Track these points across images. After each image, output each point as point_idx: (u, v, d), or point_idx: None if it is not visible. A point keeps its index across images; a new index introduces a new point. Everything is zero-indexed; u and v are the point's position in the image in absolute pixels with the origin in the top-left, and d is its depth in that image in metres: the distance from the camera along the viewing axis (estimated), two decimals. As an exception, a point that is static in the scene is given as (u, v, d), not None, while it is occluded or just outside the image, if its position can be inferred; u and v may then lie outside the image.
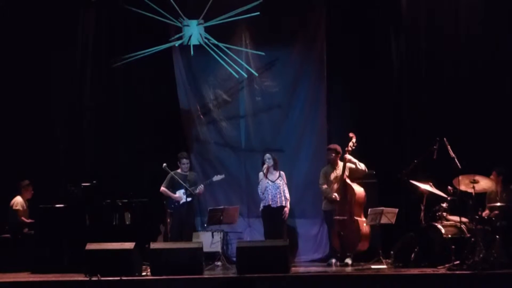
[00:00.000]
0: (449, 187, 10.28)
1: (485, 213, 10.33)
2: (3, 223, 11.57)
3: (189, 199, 11.14)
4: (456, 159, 10.18)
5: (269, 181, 11.11)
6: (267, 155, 11.21)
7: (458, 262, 9.57)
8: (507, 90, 11.69)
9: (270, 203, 11.07)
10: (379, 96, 12.07)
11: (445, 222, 10.25)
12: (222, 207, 11.15)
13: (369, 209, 10.52)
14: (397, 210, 10.53)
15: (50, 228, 10.93)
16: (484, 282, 9.07)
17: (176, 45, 12.38)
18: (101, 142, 12.40)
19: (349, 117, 12.16)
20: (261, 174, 11.19)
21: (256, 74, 12.30)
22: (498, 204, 10.25)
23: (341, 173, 10.94)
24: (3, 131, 12.16)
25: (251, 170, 12.03)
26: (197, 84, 12.47)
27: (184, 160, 11.40)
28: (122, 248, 9.81)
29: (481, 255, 9.43)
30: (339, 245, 10.85)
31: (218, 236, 11.44)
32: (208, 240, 11.57)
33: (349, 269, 10.46)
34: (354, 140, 10.97)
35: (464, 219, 10.13)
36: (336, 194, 10.84)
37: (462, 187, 10.11)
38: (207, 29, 12.27)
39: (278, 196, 11.08)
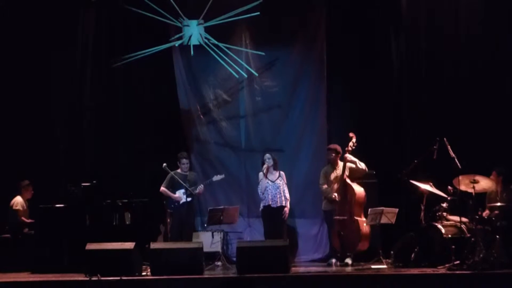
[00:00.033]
0: (449, 187, 10.28)
1: (485, 213, 10.33)
2: (3, 223, 11.57)
3: (189, 199, 11.14)
4: (456, 159, 10.18)
5: (269, 181, 11.11)
6: (267, 155, 11.21)
7: (458, 262, 9.57)
8: (507, 90, 11.69)
9: (270, 203, 11.07)
10: (379, 96, 12.08)
11: (445, 222, 10.25)
12: (222, 207, 11.15)
13: (369, 209, 10.52)
14: (397, 210, 10.53)
15: (50, 228, 10.93)
16: (484, 282, 9.07)
17: (176, 45, 12.38)
18: (101, 142, 12.40)
19: (349, 117, 12.16)
20: (261, 174, 11.20)
21: (256, 74, 12.30)
22: (498, 204, 10.25)
23: (341, 173, 10.94)
24: (3, 131, 12.17)
25: (251, 170, 12.03)
26: (197, 84, 12.47)
27: (184, 160, 11.40)
28: (122, 248, 9.81)
29: (481, 255, 9.43)
30: (339, 245, 10.84)
31: (218, 236, 11.44)
32: (208, 240, 11.57)
33: (349, 269, 10.46)
34: (354, 140, 10.97)
35: (464, 219, 10.13)
36: (336, 194, 10.84)
37: (462, 187, 10.11)
38: (207, 29, 12.27)
39: (278, 196, 11.08)
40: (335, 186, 10.94)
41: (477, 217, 9.93)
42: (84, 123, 12.48)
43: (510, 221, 10.04)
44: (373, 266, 10.19)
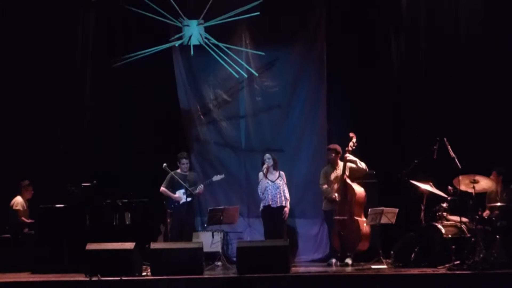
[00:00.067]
0: (449, 187, 10.28)
1: (486, 213, 10.33)
2: (3, 223, 11.57)
3: (189, 199, 11.14)
4: (456, 159, 10.19)
5: (269, 181, 11.11)
6: (267, 155, 11.21)
7: (458, 262, 9.57)
8: (507, 90, 11.69)
9: (270, 203, 11.07)
10: (379, 96, 12.08)
11: (445, 222, 10.25)
12: (222, 207, 11.15)
13: (369, 209, 10.52)
14: (397, 210, 10.53)
15: (50, 228, 10.93)
16: (484, 282, 9.07)
17: (176, 45, 12.38)
18: (101, 142, 12.40)
19: (349, 117, 12.15)
20: (261, 174, 11.19)
21: (256, 74, 12.30)
22: (498, 204, 10.25)
23: (341, 173, 10.94)
24: (3, 131, 12.16)
25: (251, 170, 12.03)
26: (197, 84, 12.47)
27: (184, 160, 11.39)
28: (122, 248, 9.81)
29: (481, 255, 9.43)
30: (339, 245, 10.84)
31: (218, 236, 11.44)
32: (208, 240, 11.57)
33: (349, 269, 10.46)
34: (354, 140, 10.97)
35: (464, 219, 10.14)
36: (336, 194, 10.84)
37: (462, 187, 10.11)
38: (207, 29, 12.27)
39: (278, 196, 11.08)
40: (335, 186, 10.94)
41: (477, 217, 9.93)
42: (84, 123, 12.48)
43: (510, 221, 10.04)
44: (373, 266, 10.19)
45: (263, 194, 11.10)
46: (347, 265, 10.69)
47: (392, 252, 10.42)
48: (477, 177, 10.04)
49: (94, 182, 11.30)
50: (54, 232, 10.89)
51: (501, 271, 9.28)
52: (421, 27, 12.05)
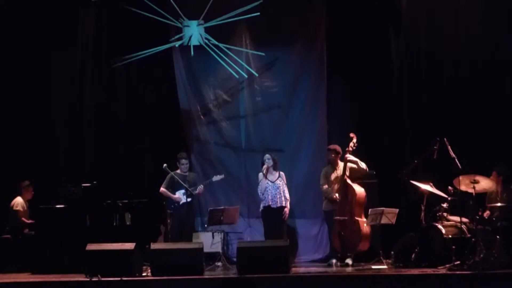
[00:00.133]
0: (449, 187, 10.28)
1: (486, 213, 10.33)
2: (4, 224, 11.57)
3: (189, 199, 11.13)
4: (456, 159, 10.19)
5: (269, 182, 11.11)
6: (267, 156, 11.21)
7: (458, 262, 9.58)
8: (507, 90, 11.69)
9: (270, 203, 11.07)
10: (379, 96, 12.07)
11: (446, 222, 10.25)
12: (222, 207, 11.15)
13: (370, 210, 10.52)
14: (397, 210, 10.52)
15: (50, 228, 10.93)
16: (484, 282, 9.08)
17: (176, 45, 12.37)
18: (101, 142, 12.40)
19: (349, 117, 12.15)
20: (260, 174, 11.19)
21: (256, 74, 12.30)
22: (499, 204, 10.25)
23: (341, 173, 10.94)
24: (3, 131, 12.16)
25: (251, 170, 12.03)
26: (197, 84, 12.46)
27: (183, 161, 11.39)
28: (122, 249, 9.81)
29: (481, 255, 9.43)
30: (340, 245, 10.85)
31: (218, 237, 11.44)
32: (209, 241, 11.57)
33: (349, 269, 10.47)
34: (354, 140, 10.96)
35: (464, 219, 10.15)
36: (336, 195, 10.84)
37: (463, 187, 10.11)
38: (207, 30, 12.26)
39: (278, 196, 11.08)
40: (336, 186, 10.95)
41: (478, 217, 9.94)
42: (84, 123, 12.48)
43: (511, 222, 10.05)
44: (373, 267, 10.19)
45: (263, 194, 11.10)
46: (347, 265, 10.70)
47: (392, 252, 10.42)
48: (477, 177, 10.04)
49: (94, 182, 11.31)
50: (54, 233, 10.89)
51: (501, 271, 9.29)
52: (421, 27, 12.05)
